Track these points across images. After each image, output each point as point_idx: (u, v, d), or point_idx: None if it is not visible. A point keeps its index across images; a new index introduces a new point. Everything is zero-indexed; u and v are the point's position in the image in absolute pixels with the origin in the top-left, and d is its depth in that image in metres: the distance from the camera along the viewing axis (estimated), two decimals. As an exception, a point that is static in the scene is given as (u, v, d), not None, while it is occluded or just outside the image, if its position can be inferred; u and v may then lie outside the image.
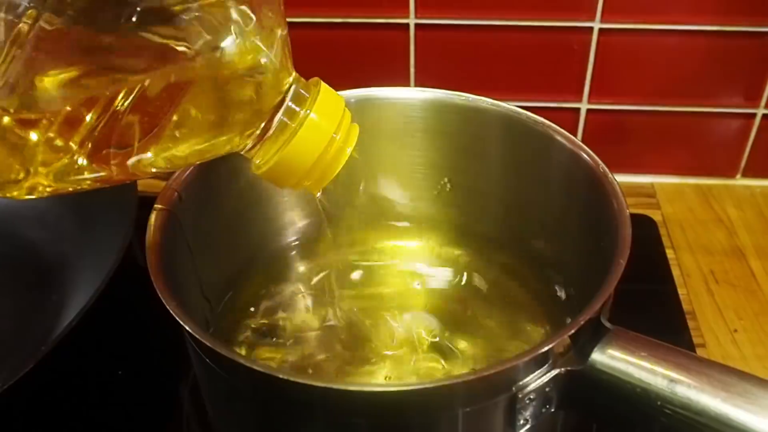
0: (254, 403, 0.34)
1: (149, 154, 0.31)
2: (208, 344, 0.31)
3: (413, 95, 0.45)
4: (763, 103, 0.60)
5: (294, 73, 0.33)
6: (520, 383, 0.31)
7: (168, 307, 0.32)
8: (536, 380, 0.31)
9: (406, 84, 0.61)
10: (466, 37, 0.59)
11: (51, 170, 0.30)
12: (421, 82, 0.61)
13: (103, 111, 0.29)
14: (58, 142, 0.29)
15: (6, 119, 0.28)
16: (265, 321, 0.43)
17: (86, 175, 0.30)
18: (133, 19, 0.28)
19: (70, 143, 0.29)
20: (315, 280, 0.46)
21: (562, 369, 0.32)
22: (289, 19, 0.33)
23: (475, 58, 0.60)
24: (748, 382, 0.30)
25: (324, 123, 0.33)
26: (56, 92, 0.28)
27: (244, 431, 0.37)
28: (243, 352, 0.42)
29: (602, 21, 0.57)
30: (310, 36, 0.58)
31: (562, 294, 0.42)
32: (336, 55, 0.59)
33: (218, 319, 0.42)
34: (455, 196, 0.47)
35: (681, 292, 0.54)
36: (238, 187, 0.43)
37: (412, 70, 0.60)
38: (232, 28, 0.30)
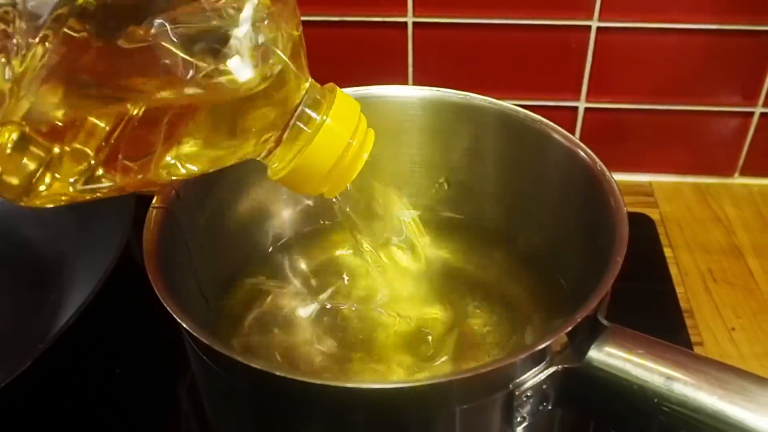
0: (252, 401, 0.34)
1: (167, 163, 0.31)
2: (205, 342, 0.31)
3: (410, 93, 0.45)
4: (760, 101, 0.60)
5: (310, 79, 0.33)
6: (518, 380, 0.31)
7: (165, 305, 0.32)
8: (533, 377, 0.31)
9: (405, 82, 0.61)
10: (464, 35, 0.59)
11: (69, 179, 0.30)
12: (419, 81, 0.61)
13: (122, 122, 0.29)
14: (77, 153, 0.29)
15: (25, 130, 0.28)
16: (263, 319, 0.43)
17: (104, 183, 0.30)
18: (151, 34, 0.28)
19: (89, 153, 0.29)
20: (312, 277, 0.46)
21: (559, 366, 0.32)
22: (287, 18, 0.33)
23: (473, 57, 0.60)
24: (745, 379, 0.30)
25: (340, 129, 0.33)
26: (73, 105, 0.28)
27: (242, 429, 0.37)
28: (241, 349, 0.42)
29: (600, 20, 0.57)
30: (308, 34, 0.57)
31: (559, 292, 0.42)
32: (334, 54, 0.60)
33: (216, 317, 0.42)
34: (452, 194, 0.47)
35: (679, 290, 0.54)
36: (235, 185, 0.43)
37: (410, 68, 0.60)
38: (251, 38, 0.30)
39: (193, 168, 0.32)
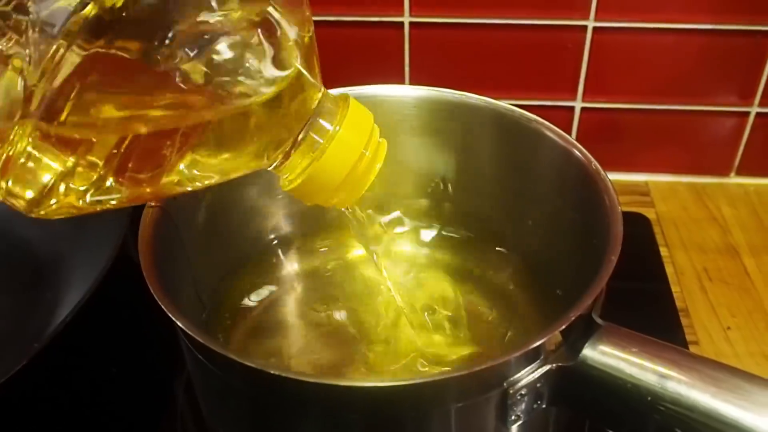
0: (247, 400, 0.34)
1: (178, 175, 0.31)
2: (200, 340, 0.31)
3: (406, 93, 0.45)
4: (756, 101, 0.60)
5: (323, 89, 0.33)
6: (512, 379, 0.31)
7: (161, 303, 0.32)
8: (527, 376, 0.31)
9: (401, 82, 0.61)
10: (460, 35, 0.59)
11: (80, 192, 0.30)
12: (415, 81, 0.61)
13: (135, 135, 0.29)
14: (89, 165, 0.29)
15: (38, 142, 0.28)
16: (259, 317, 0.43)
17: (115, 195, 0.30)
18: (166, 46, 0.28)
19: (101, 165, 0.29)
20: (308, 277, 0.46)
21: (554, 365, 0.32)
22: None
23: (469, 57, 0.60)
24: (739, 377, 0.30)
25: (354, 139, 0.33)
26: (86, 118, 0.28)
27: (237, 428, 0.37)
28: (236, 348, 0.42)
29: (596, 20, 0.57)
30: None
31: (554, 291, 0.42)
32: (331, 54, 0.59)
33: (212, 316, 0.42)
34: (448, 194, 0.47)
35: (674, 289, 0.54)
36: (231, 184, 0.43)
37: (406, 68, 0.61)
38: (266, 50, 0.30)
39: (204, 179, 0.32)
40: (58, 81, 0.27)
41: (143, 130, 0.29)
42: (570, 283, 0.41)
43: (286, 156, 0.33)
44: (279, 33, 0.30)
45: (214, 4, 0.29)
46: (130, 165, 0.30)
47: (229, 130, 0.31)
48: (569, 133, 0.41)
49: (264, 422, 0.35)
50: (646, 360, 0.31)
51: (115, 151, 0.29)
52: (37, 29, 0.27)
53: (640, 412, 0.31)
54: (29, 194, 0.29)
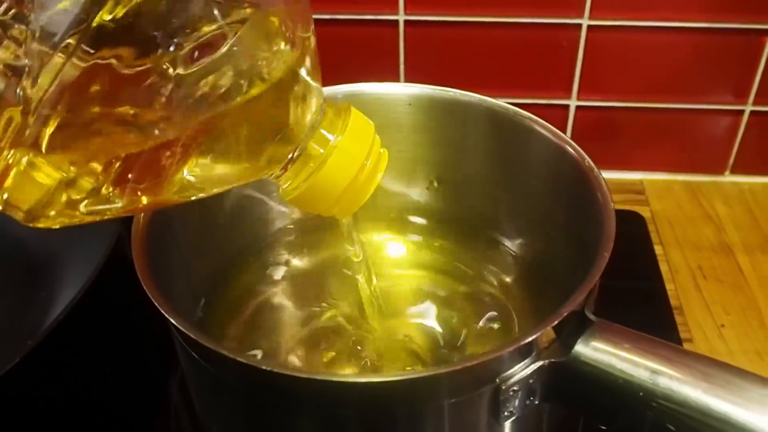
0: (241, 397, 0.34)
1: (178, 185, 0.31)
2: (193, 337, 0.31)
3: (400, 90, 0.45)
4: (751, 99, 0.60)
5: (324, 98, 0.33)
6: (504, 375, 0.31)
7: (154, 301, 0.32)
8: (520, 372, 0.31)
9: (396, 80, 0.61)
10: (455, 33, 0.59)
11: (80, 202, 0.29)
12: (410, 79, 0.61)
13: (134, 142, 0.29)
14: (88, 176, 0.29)
15: (36, 152, 0.28)
16: (254, 314, 0.43)
17: (114, 205, 0.30)
18: (168, 56, 0.28)
19: (100, 177, 0.29)
20: (304, 273, 0.46)
21: (546, 361, 0.32)
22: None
23: (464, 55, 0.60)
24: (730, 373, 0.30)
25: (355, 150, 0.32)
26: (85, 129, 0.28)
27: (231, 425, 0.37)
28: (231, 346, 0.42)
29: (591, 18, 0.57)
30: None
31: (547, 287, 0.42)
32: (325, 52, 0.59)
33: (206, 313, 0.42)
34: (442, 191, 0.47)
35: (669, 287, 0.54)
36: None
37: (401, 66, 0.61)
38: (269, 60, 0.30)
39: (205, 189, 0.32)
40: (55, 93, 0.27)
41: (143, 141, 0.29)
42: (563, 280, 0.41)
43: (287, 166, 0.32)
44: (282, 43, 0.30)
45: (216, 13, 0.29)
46: (129, 176, 0.29)
47: (229, 140, 0.31)
48: (564, 132, 0.41)
49: (257, 419, 0.35)
50: (638, 356, 0.31)
51: (114, 162, 0.29)
52: (36, 39, 0.27)
53: (632, 408, 0.31)
54: (27, 206, 0.29)
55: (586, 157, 0.39)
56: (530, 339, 0.31)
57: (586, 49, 0.59)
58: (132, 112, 0.29)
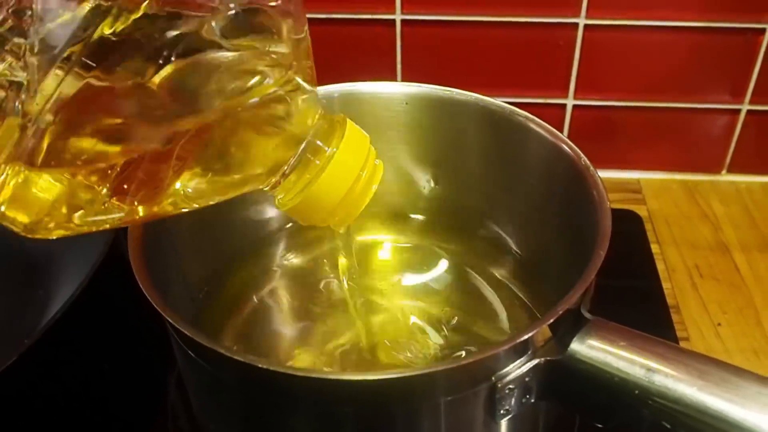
0: (237, 395, 0.34)
1: (174, 196, 0.31)
2: (189, 335, 0.31)
3: (397, 90, 0.45)
4: (747, 99, 0.60)
5: (320, 109, 0.33)
6: (500, 373, 0.31)
7: (150, 299, 0.32)
8: (516, 370, 0.31)
9: (393, 80, 0.61)
10: (452, 33, 0.59)
11: (77, 213, 0.29)
12: (407, 79, 0.61)
13: (133, 158, 0.29)
14: (86, 188, 0.29)
15: (36, 170, 0.28)
16: (250, 312, 0.43)
17: (112, 216, 0.30)
18: (165, 67, 0.28)
19: (97, 188, 0.29)
20: (298, 271, 0.46)
21: (542, 359, 0.32)
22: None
23: (461, 55, 0.60)
24: (725, 370, 0.30)
25: (351, 161, 0.33)
26: (83, 143, 0.28)
27: (228, 424, 0.37)
28: (228, 344, 0.42)
29: (587, 17, 0.57)
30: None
31: (544, 286, 0.42)
32: (322, 51, 0.59)
33: (202, 312, 0.43)
34: (438, 190, 0.47)
35: (666, 286, 0.54)
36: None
37: (398, 66, 0.61)
38: (267, 73, 0.30)
39: (201, 200, 0.32)
40: (54, 107, 0.27)
41: (141, 153, 0.29)
42: (559, 278, 0.41)
43: (283, 176, 0.33)
44: (278, 52, 0.30)
45: (215, 26, 0.29)
46: (127, 187, 0.30)
47: (225, 152, 0.31)
48: (561, 131, 0.41)
49: (254, 417, 0.35)
50: (634, 354, 0.31)
51: (112, 173, 0.29)
52: (35, 52, 0.27)
53: (628, 406, 0.32)
54: (26, 218, 0.29)
55: (582, 155, 0.39)
56: (526, 337, 0.31)
57: (583, 48, 0.59)
58: (129, 125, 0.29)
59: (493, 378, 0.31)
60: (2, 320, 0.49)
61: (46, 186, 0.28)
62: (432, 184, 0.47)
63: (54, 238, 0.30)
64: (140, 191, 0.30)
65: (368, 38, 0.59)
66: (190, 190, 0.31)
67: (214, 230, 0.44)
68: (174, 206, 0.31)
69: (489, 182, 0.45)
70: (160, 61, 0.28)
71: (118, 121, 0.28)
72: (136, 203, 0.30)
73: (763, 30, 0.57)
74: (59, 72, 0.26)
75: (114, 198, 0.29)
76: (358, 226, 0.44)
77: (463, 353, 0.40)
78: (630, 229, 0.58)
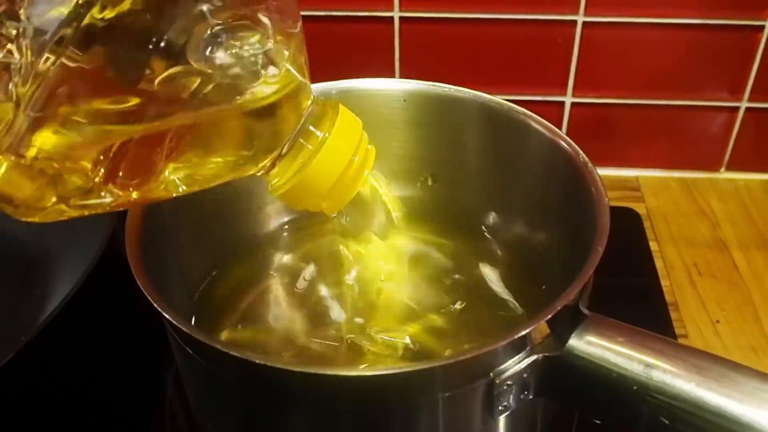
0: (235, 391, 0.34)
1: (167, 180, 0.31)
2: (186, 331, 0.31)
3: (395, 86, 0.45)
4: (746, 96, 0.60)
5: (313, 95, 0.33)
6: (498, 369, 0.31)
7: (147, 295, 0.32)
8: (514, 366, 0.31)
9: (391, 77, 0.61)
10: (450, 30, 0.59)
11: (70, 196, 0.30)
12: (406, 76, 0.61)
13: (124, 142, 0.29)
14: (78, 171, 0.29)
15: (29, 153, 0.28)
16: (247, 310, 0.43)
17: (104, 200, 0.30)
18: (157, 54, 0.28)
19: (90, 172, 0.29)
20: (296, 268, 0.46)
21: (540, 355, 0.32)
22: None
23: (459, 52, 0.60)
24: (723, 366, 0.30)
25: (343, 146, 0.33)
26: (75, 126, 0.28)
27: (225, 420, 0.37)
28: (225, 340, 0.41)
29: (586, 14, 0.57)
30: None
31: (542, 283, 0.42)
32: (321, 48, 0.59)
33: (200, 308, 0.42)
34: (436, 187, 0.47)
35: (664, 283, 0.54)
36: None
37: (396, 63, 0.61)
38: (258, 58, 0.30)
39: (194, 185, 0.32)
40: (46, 91, 0.27)
41: (132, 137, 0.29)
42: (558, 275, 0.41)
43: (276, 161, 0.33)
44: (270, 41, 0.30)
45: (206, 11, 0.29)
46: (119, 171, 0.30)
47: (218, 137, 0.31)
48: (559, 128, 0.41)
49: (252, 414, 0.35)
50: (632, 350, 0.31)
51: (104, 157, 0.29)
52: (28, 37, 0.27)
53: (626, 402, 0.31)
54: (18, 200, 0.29)
55: (581, 152, 0.39)
56: (524, 333, 0.31)
57: (582, 45, 0.59)
58: (121, 110, 0.29)
59: (491, 374, 0.31)
60: (-1, 318, 0.49)
61: (39, 169, 0.28)
62: (430, 180, 0.47)
63: (47, 221, 0.31)
64: (133, 176, 0.30)
65: (366, 35, 0.59)
66: (183, 175, 0.31)
67: (212, 228, 0.44)
68: (167, 191, 0.31)
69: (487, 179, 0.45)
70: (151, 47, 0.28)
71: (108, 106, 0.28)
72: (130, 188, 0.30)
73: (762, 27, 0.57)
74: (51, 56, 0.26)
75: (106, 182, 0.30)
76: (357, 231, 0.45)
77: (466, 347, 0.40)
78: (628, 226, 0.58)
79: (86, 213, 0.31)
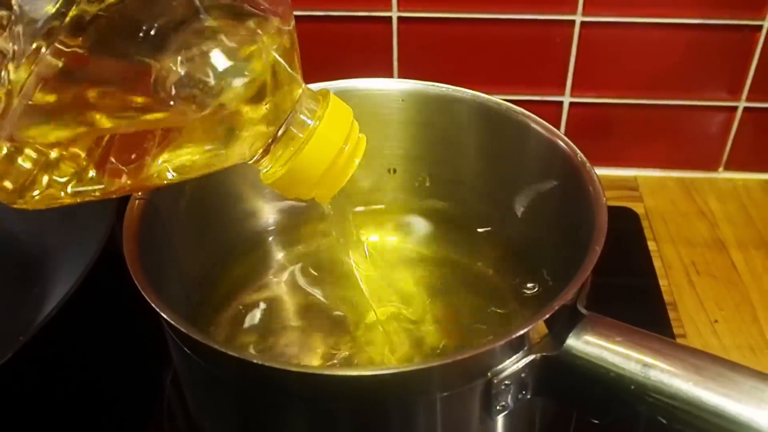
0: (233, 391, 0.34)
1: (159, 168, 0.31)
2: (184, 331, 0.31)
3: (393, 86, 0.45)
4: (744, 96, 0.60)
5: (303, 84, 0.33)
6: (496, 368, 0.31)
7: (145, 295, 0.32)
8: (512, 366, 0.31)
9: (390, 77, 0.61)
10: (448, 30, 0.59)
11: (63, 183, 0.30)
12: (404, 76, 0.61)
13: (114, 128, 0.29)
14: (70, 158, 0.29)
15: (21, 139, 0.28)
16: (245, 309, 0.43)
17: (97, 187, 0.31)
18: (147, 43, 0.28)
19: (82, 158, 0.29)
20: (294, 268, 0.46)
21: (538, 355, 0.32)
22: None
23: (457, 52, 0.60)
24: (721, 365, 0.30)
25: (333, 134, 0.33)
26: (66, 115, 0.28)
27: (223, 420, 0.37)
28: (224, 340, 0.42)
29: (584, 14, 0.57)
30: (293, 29, 0.58)
31: (540, 283, 0.42)
32: (319, 48, 0.60)
33: (198, 308, 0.42)
34: (434, 187, 0.47)
35: (662, 283, 0.54)
36: (216, 176, 0.43)
37: (395, 63, 0.61)
38: (247, 46, 0.30)
39: (185, 173, 0.32)
40: (36, 79, 0.27)
41: (123, 126, 0.29)
42: (557, 276, 0.41)
43: (267, 150, 0.33)
44: (259, 30, 0.31)
45: (197, 4, 0.29)
46: (111, 157, 0.30)
47: (209, 125, 0.31)
48: (558, 128, 0.41)
49: (250, 414, 0.35)
50: (629, 349, 0.31)
51: (96, 144, 0.29)
52: (21, 24, 0.27)
53: (624, 402, 0.31)
54: (10, 185, 0.29)
55: (579, 151, 0.39)
56: (522, 332, 0.31)
57: (580, 45, 0.59)
58: (112, 98, 0.29)
59: (488, 374, 0.31)
60: (-3, 316, 0.49)
61: (30, 155, 0.29)
62: (428, 179, 0.47)
63: (41, 208, 0.31)
64: (125, 163, 0.30)
65: (365, 35, 0.59)
66: (176, 163, 0.31)
67: (210, 228, 0.44)
68: (160, 178, 0.32)
69: (485, 179, 0.45)
70: (141, 37, 0.28)
71: (100, 94, 0.29)
72: (123, 175, 0.31)
73: (760, 27, 0.57)
74: (42, 43, 0.26)
75: (99, 169, 0.30)
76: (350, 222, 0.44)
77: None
78: (627, 226, 0.58)
79: (79, 200, 0.31)
